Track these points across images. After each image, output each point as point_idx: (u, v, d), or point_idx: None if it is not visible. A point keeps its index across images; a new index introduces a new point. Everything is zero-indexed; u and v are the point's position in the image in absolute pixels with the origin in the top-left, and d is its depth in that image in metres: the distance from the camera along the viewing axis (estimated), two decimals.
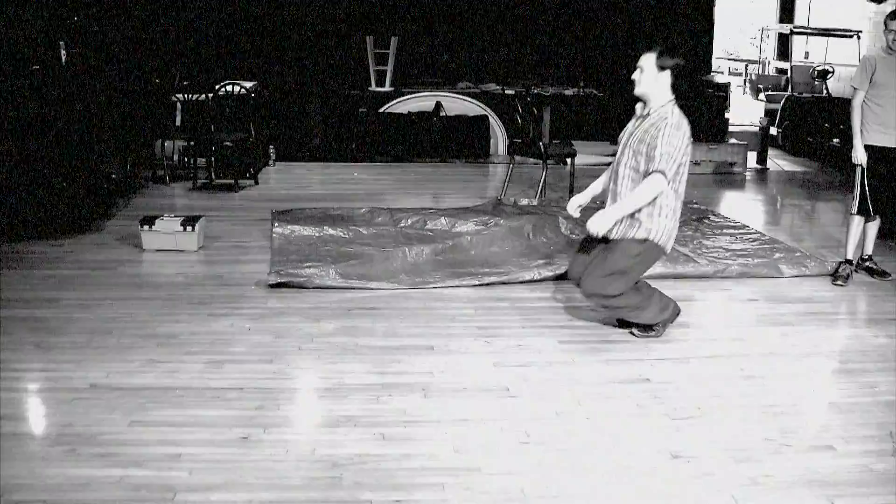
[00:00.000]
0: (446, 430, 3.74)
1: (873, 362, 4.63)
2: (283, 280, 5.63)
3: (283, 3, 11.42)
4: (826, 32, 13.59)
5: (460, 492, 3.25)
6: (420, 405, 3.97)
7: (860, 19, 13.08)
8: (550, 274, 5.85)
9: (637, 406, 4.04)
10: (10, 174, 6.72)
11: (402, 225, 7.23)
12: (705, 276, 6.07)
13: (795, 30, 14.68)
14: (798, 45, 15.57)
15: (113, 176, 7.97)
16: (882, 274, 6.16)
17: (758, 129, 11.84)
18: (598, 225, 4.64)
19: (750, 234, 7.26)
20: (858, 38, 12.62)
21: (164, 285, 5.74)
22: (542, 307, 5.36)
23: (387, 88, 11.60)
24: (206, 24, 11.13)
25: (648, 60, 4.69)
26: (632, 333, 4.89)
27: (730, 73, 22.38)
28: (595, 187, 5.00)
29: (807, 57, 15.61)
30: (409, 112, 11.23)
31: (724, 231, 7.30)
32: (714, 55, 14.15)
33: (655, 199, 4.61)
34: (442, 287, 5.70)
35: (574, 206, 5.01)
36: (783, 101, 12.85)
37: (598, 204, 5.03)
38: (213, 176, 9.09)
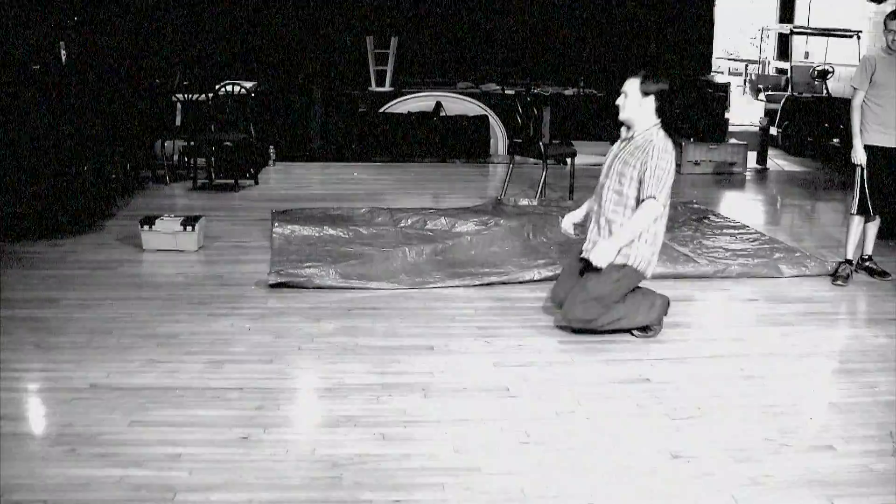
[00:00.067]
0: (446, 430, 3.74)
1: (873, 362, 4.63)
2: (283, 280, 5.63)
3: (283, 4, 11.42)
4: (826, 32, 13.59)
5: (460, 492, 3.25)
6: (420, 405, 3.97)
7: (860, 19, 13.08)
8: (550, 274, 5.85)
9: (637, 406, 4.04)
10: (11, 174, 6.71)
11: (402, 225, 7.23)
12: (705, 276, 6.07)
13: (795, 30, 14.68)
14: (798, 45, 15.57)
15: (113, 176, 7.98)
16: (882, 274, 6.16)
17: (758, 129, 11.84)
18: (601, 258, 4.65)
19: (750, 234, 7.26)
20: (858, 38, 12.62)
21: (164, 285, 5.74)
22: (542, 307, 5.36)
23: (387, 88, 11.60)
24: (206, 24, 11.12)
25: (632, 86, 4.71)
26: (631, 334, 4.88)
27: (730, 73, 22.39)
28: (590, 205, 5.05)
29: (807, 57, 15.61)
30: (409, 112, 11.22)
31: (724, 231, 7.31)
32: (714, 55, 14.14)
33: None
34: (442, 287, 5.70)
35: (569, 223, 5.09)
36: (783, 101, 12.85)
37: (586, 222, 5.05)
38: (213, 176, 9.09)
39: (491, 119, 11.34)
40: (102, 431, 3.64)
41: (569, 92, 11.70)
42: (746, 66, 21.60)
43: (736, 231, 7.32)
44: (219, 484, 3.26)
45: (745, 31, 22.42)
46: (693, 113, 11.03)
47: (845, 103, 6.17)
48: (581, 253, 4.94)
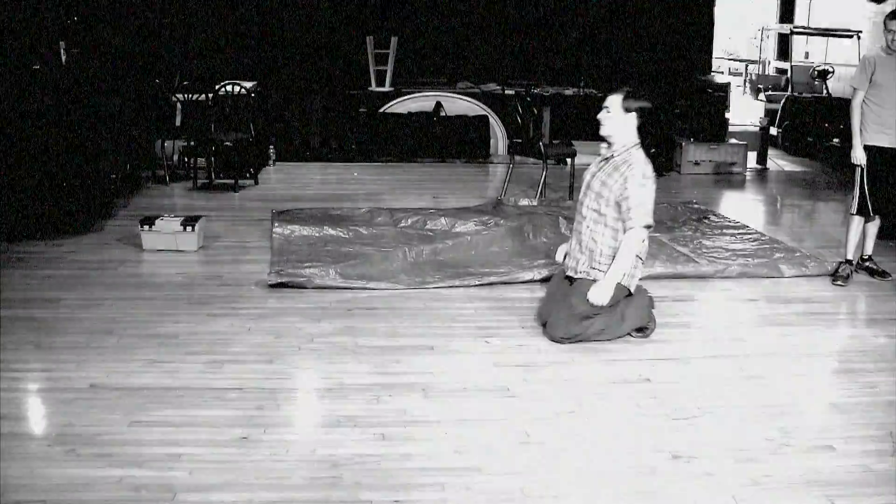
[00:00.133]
0: (446, 430, 3.74)
1: (873, 362, 4.63)
2: (283, 280, 5.63)
3: (283, 4, 11.42)
4: (826, 32, 13.59)
5: (460, 492, 3.25)
6: (420, 405, 3.97)
7: (860, 19, 13.08)
8: (550, 274, 5.85)
9: (637, 406, 4.04)
10: (11, 174, 6.71)
11: (402, 225, 7.23)
12: (705, 276, 6.07)
13: (795, 30, 14.68)
14: (798, 45, 15.56)
15: (113, 176, 7.97)
16: (882, 274, 6.16)
17: (758, 129, 11.84)
18: (599, 297, 4.68)
19: (750, 234, 7.26)
20: (858, 38, 12.61)
21: (165, 285, 5.74)
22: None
23: (387, 88, 11.59)
24: (206, 24, 11.12)
25: (615, 101, 4.73)
26: (629, 334, 4.88)
27: (730, 73, 22.39)
28: None
29: (807, 57, 15.60)
30: (409, 112, 11.22)
31: (724, 231, 7.31)
32: (714, 55, 14.13)
33: (617, 245, 4.70)
34: (442, 287, 5.70)
35: (562, 254, 5.12)
36: (783, 101, 12.85)
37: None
38: (213, 176, 9.09)
39: (491, 119, 11.33)
40: (102, 431, 3.64)
41: (569, 92, 11.70)
42: (746, 66, 21.60)
43: (736, 231, 7.32)
44: (219, 484, 3.26)
45: (746, 31, 22.39)
46: (693, 113, 11.02)
47: (845, 103, 6.17)
48: (566, 271, 4.97)
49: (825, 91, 12.55)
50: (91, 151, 7.33)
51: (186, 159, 9.36)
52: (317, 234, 6.80)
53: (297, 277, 5.66)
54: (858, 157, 5.94)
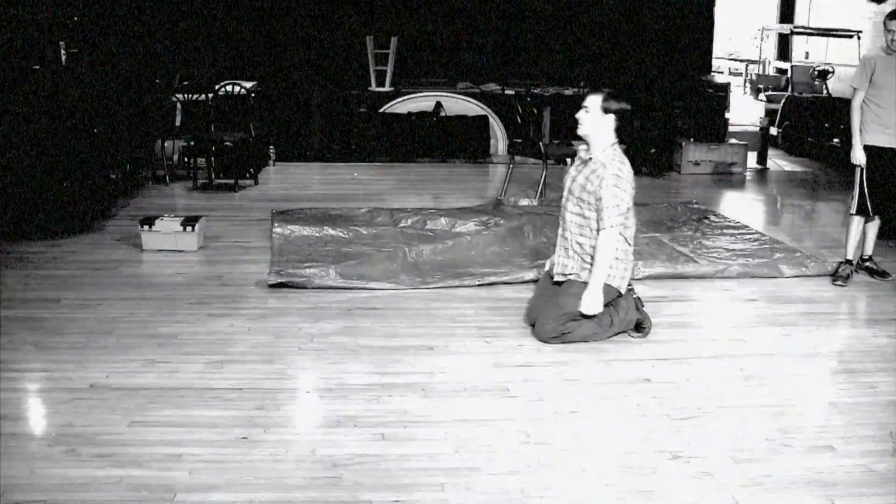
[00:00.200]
0: (446, 430, 3.74)
1: (873, 362, 4.63)
2: (283, 280, 5.63)
3: (283, 3, 11.41)
4: (826, 32, 13.59)
5: (460, 492, 3.25)
6: (420, 405, 3.97)
7: (860, 19, 13.08)
8: None
9: (637, 406, 4.03)
10: (11, 174, 6.71)
11: (402, 225, 7.23)
12: (705, 276, 6.07)
13: (795, 30, 14.68)
14: (798, 45, 15.57)
15: (113, 176, 7.97)
16: (882, 274, 6.16)
17: (758, 129, 11.84)
18: (591, 307, 4.69)
19: (750, 234, 7.26)
20: (858, 38, 12.62)
21: (164, 285, 5.74)
22: None
23: (387, 88, 11.59)
24: (206, 24, 11.12)
25: (594, 102, 4.74)
26: (629, 334, 4.88)
27: (730, 73, 22.38)
28: None
29: (807, 57, 15.60)
30: (409, 112, 11.22)
31: (725, 231, 7.30)
32: (714, 55, 14.13)
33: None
34: (442, 287, 5.70)
35: (550, 264, 5.11)
36: (783, 101, 12.85)
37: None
38: (213, 176, 9.09)
39: (491, 119, 11.33)
40: (102, 431, 3.64)
41: (569, 92, 11.69)
42: (746, 66, 21.59)
43: (736, 231, 7.32)
44: (219, 484, 3.26)
45: (746, 31, 22.39)
46: (693, 113, 11.02)
47: (845, 103, 6.17)
48: (552, 274, 4.97)
49: (825, 91, 12.56)
50: (91, 151, 7.32)
51: (186, 159, 9.36)
52: (317, 235, 6.80)
53: (297, 277, 5.66)
54: (858, 157, 5.94)
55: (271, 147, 10.30)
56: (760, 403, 4.09)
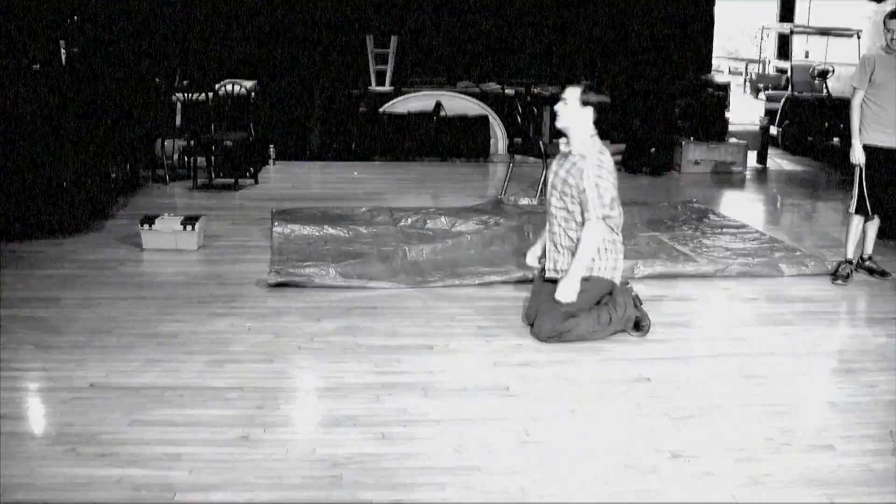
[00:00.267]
0: (446, 429, 3.74)
1: (873, 362, 4.63)
2: (283, 279, 5.63)
3: (283, 3, 11.41)
4: (826, 32, 13.59)
5: (460, 491, 3.25)
6: (420, 405, 3.97)
7: (860, 19, 13.08)
8: None
9: (637, 406, 4.03)
10: (11, 174, 6.71)
11: (402, 224, 7.23)
12: (705, 275, 6.07)
13: (795, 29, 14.68)
14: (798, 44, 15.56)
15: (113, 176, 7.97)
16: (882, 273, 6.15)
17: (758, 128, 11.84)
18: (566, 295, 4.69)
19: (750, 233, 7.26)
20: (858, 37, 12.62)
21: (164, 285, 5.74)
22: None
23: (387, 88, 11.59)
24: (206, 24, 11.11)
25: (573, 94, 4.74)
26: (628, 333, 4.88)
27: (730, 73, 22.39)
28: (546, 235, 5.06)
29: (807, 56, 15.61)
30: (409, 112, 11.23)
31: (724, 230, 7.30)
32: (714, 54, 14.13)
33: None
34: (442, 286, 5.70)
35: (532, 258, 5.11)
36: (783, 100, 12.85)
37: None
38: (213, 176, 9.09)
39: (491, 119, 11.33)
40: (102, 431, 3.64)
41: None
42: (746, 65, 21.60)
43: (736, 230, 7.32)
44: (219, 483, 3.26)
45: (746, 31, 22.39)
46: (693, 112, 11.02)
47: (845, 103, 6.17)
48: (544, 273, 4.97)
49: (825, 90, 12.55)
50: (90, 151, 7.33)
51: (186, 159, 9.36)
52: (317, 234, 6.80)
53: (297, 277, 5.66)
54: (857, 156, 5.94)
55: (271, 147, 10.30)
56: (760, 403, 4.09)
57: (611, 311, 4.78)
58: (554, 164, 4.94)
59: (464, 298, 5.51)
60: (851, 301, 5.77)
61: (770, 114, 12.69)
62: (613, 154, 11.21)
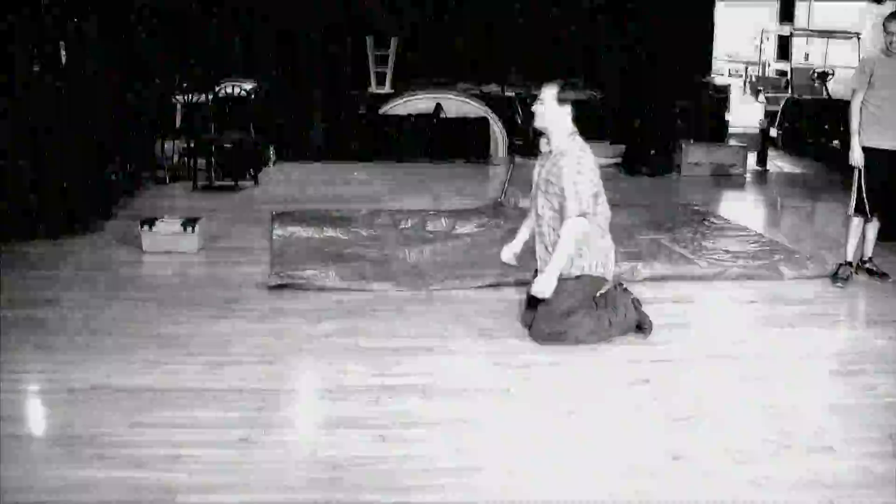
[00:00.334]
0: (446, 430, 3.74)
1: (873, 364, 4.63)
2: (283, 281, 5.63)
3: (283, 3, 11.41)
4: (826, 34, 13.60)
5: (460, 493, 3.25)
6: (420, 406, 3.97)
7: (860, 21, 13.09)
8: None
9: (637, 406, 4.03)
10: (11, 174, 6.71)
11: (402, 226, 7.23)
12: (705, 277, 6.07)
13: (795, 31, 14.69)
14: (798, 46, 15.56)
15: (113, 176, 7.97)
16: (882, 276, 6.15)
17: (758, 130, 11.85)
18: (543, 290, 4.68)
19: (750, 235, 7.26)
20: (858, 39, 12.63)
21: (164, 286, 5.74)
22: None
23: (387, 89, 11.59)
24: (206, 24, 11.12)
25: (549, 93, 4.74)
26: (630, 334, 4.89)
27: (730, 75, 22.36)
28: (524, 233, 5.08)
29: (807, 59, 15.61)
30: (409, 113, 11.23)
31: (724, 233, 7.31)
32: (714, 56, 14.14)
33: (581, 238, 4.67)
34: (442, 289, 5.70)
35: (509, 255, 5.08)
36: (783, 102, 12.86)
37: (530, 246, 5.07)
38: (214, 177, 9.09)
39: (491, 120, 11.34)
40: (102, 432, 3.64)
41: None
42: (746, 67, 21.58)
43: (736, 233, 7.32)
44: (219, 485, 3.25)
45: (746, 33, 22.36)
46: (693, 114, 11.03)
47: (845, 105, 6.17)
48: (536, 275, 4.96)
49: (825, 93, 12.56)
50: (91, 151, 7.32)
51: (186, 160, 9.36)
52: (317, 236, 6.81)
53: (297, 279, 5.66)
54: (856, 158, 5.94)
55: (271, 147, 10.30)
56: (760, 404, 4.09)
57: (610, 315, 4.77)
58: (537, 164, 4.94)
59: (464, 300, 5.51)
60: (851, 303, 5.77)
61: (770, 116, 12.70)
62: (613, 155, 11.26)
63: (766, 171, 11.10)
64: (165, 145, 9.38)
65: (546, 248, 4.86)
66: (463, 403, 4.02)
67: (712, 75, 13.37)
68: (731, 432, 3.79)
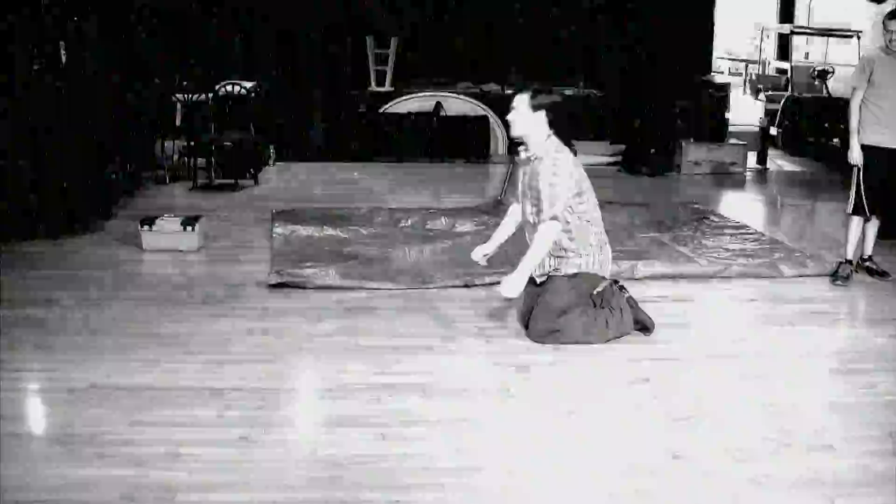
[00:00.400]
0: (446, 430, 3.74)
1: (873, 362, 4.63)
2: (283, 280, 5.63)
3: (283, 3, 11.40)
4: (826, 32, 13.59)
5: (460, 492, 3.25)
6: (420, 405, 3.97)
7: (860, 19, 13.09)
8: None
9: (637, 406, 4.03)
10: (11, 174, 6.71)
11: (402, 225, 7.23)
12: (705, 276, 6.07)
13: (795, 30, 14.68)
14: (798, 45, 15.55)
15: (113, 176, 7.97)
16: (882, 274, 6.15)
17: (758, 129, 11.84)
18: (509, 290, 4.68)
19: (750, 234, 7.26)
20: (858, 38, 12.62)
21: (165, 285, 5.74)
22: None
23: (387, 88, 11.59)
24: (206, 24, 11.10)
25: (522, 101, 4.73)
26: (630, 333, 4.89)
27: (730, 73, 22.37)
28: (499, 235, 5.10)
29: (807, 57, 15.60)
30: (409, 112, 11.23)
31: (725, 231, 7.31)
32: (714, 55, 14.13)
33: (573, 237, 4.67)
34: (442, 287, 5.70)
35: (479, 254, 5.08)
36: (783, 101, 12.85)
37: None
38: (214, 176, 9.09)
39: (491, 119, 11.33)
40: (102, 431, 3.64)
41: (569, 92, 11.70)
42: (746, 65, 21.58)
43: (736, 231, 7.32)
44: (219, 484, 3.25)
45: (746, 31, 22.38)
46: (693, 113, 11.02)
47: (845, 104, 6.17)
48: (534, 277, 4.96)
49: (825, 91, 12.55)
50: (91, 151, 7.32)
51: (186, 159, 9.36)
52: (317, 234, 6.80)
53: (297, 277, 5.66)
54: (855, 156, 5.94)
55: (271, 147, 10.29)
56: (760, 403, 4.09)
57: (607, 314, 4.77)
58: (520, 172, 4.95)
59: (464, 299, 5.51)
60: (851, 302, 5.77)
61: (770, 114, 12.69)
62: (613, 154, 11.24)
63: (767, 169, 11.09)
64: (165, 145, 9.38)
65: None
66: (463, 403, 4.02)
67: (712, 74, 13.36)
68: (732, 431, 3.79)
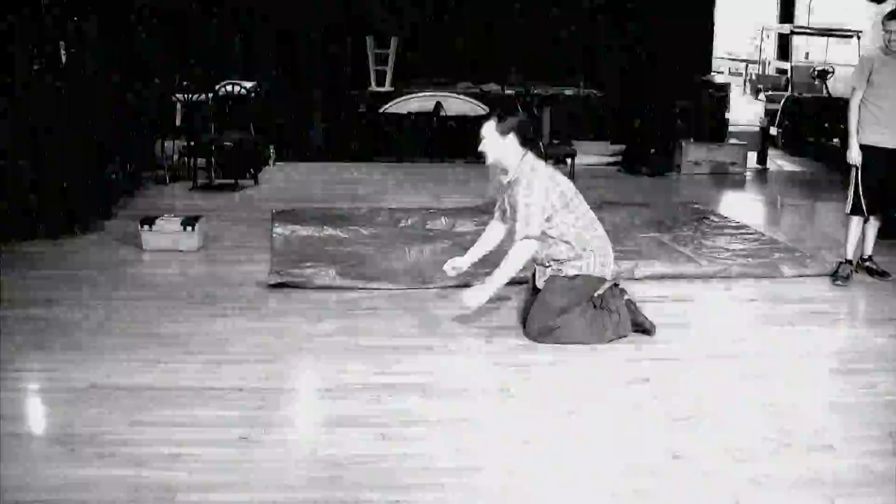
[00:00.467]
0: (446, 430, 3.74)
1: (873, 362, 4.63)
2: (283, 280, 5.63)
3: (283, 3, 11.40)
4: (826, 32, 13.58)
5: (460, 492, 3.25)
6: (420, 405, 3.97)
7: (860, 19, 13.09)
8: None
9: (637, 406, 4.03)
10: (11, 174, 6.71)
11: (402, 225, 7.23)
12: (705, 276, 6.07)
13: (796, 30, 14.68)
14: (798, 45, 15.55)
15: (113, 176, 7.97)
16: (882, 274, 6.15)
17: (758, 129, 11.84)
18: (471, 300, 4.73)
19: (750, 234, 7.26)
20: (858, 38, 12.62)
21: (165, 285, 5.74)
22: None
23: (387, 88, 11.59)
24: (206, 24, 11.10)
25: (489, 129, 4.74)
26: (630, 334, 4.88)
27: (730, 73, 22.36)
28: (476, 251, 5.10)
29: (807, 57, 15.60)
30: (409, 112, 11.23)
31: (724, 231, 7.31)
32: (714, 55, 14.12)
33: (571, 242, 4.69)
34: (442, 287, 5.70)
35: (450, 267, 5.06)
36: (783, 101, 12.85)
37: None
38: (214, 176, 9.10)
39: None
40: (102, 431, 3.64)
41: (569, 92, 11.70)
42: (746, 65, 21.58)
43: (736, 231, 7.32)
44: (219, 484, 3.26)
45: (746, 31, 22.37)
46: (693, 113, 11.02)
47: (845, 103, 6.17)
48: (537, 283, 4.97)
49: (825, 91, 12.55)
50: (91, 151, 7.32)
51: (186, 159, 9.36)
52: (317, 234, 6.81)
53: (297, 277, 5.66)
54: (854, 156, 5.94)
55: (271, 147, 10.29)
56: (760, 403, 4.09)
57: (605, 316, 4.77)
58: (503, 196, 4.97)
59: None
60: (851, 302, 5.77)
61: (770, 114, 12.69)
62: (613, 154, 11.24)
63: (767, 169, 11.09)
64: (165, 145, 9.38)
65: (542, 264, 4.87)
66: (463, 403, 4.02)
67: (712, 74, 13.35)
68: (731, 431, 3.79)
